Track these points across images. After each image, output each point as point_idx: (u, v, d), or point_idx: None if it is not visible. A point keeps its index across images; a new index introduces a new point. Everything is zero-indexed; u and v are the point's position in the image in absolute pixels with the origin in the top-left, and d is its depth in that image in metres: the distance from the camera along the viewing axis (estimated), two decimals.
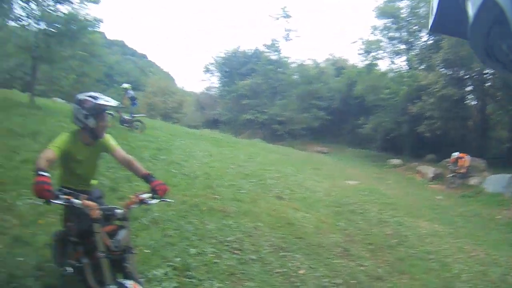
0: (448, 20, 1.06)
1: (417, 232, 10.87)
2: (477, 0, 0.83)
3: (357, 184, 17.22)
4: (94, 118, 4.15)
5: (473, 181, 21.00)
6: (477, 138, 31.45)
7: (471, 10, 0.87)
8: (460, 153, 22.80)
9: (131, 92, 12.96)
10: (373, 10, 36.10)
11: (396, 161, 30.17)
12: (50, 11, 21.68)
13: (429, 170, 24.32)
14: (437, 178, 23.26)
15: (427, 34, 33.75)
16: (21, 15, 21.59)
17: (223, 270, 5.95)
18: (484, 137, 31.01)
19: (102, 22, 23.56)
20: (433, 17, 1.09)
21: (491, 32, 0.85)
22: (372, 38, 37.55)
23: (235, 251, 6.70)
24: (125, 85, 12.53)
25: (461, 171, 21.76)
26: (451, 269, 8.25)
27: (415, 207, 14.62)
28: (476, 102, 33.49)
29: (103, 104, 4.20)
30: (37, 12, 21.20)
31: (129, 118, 16.60)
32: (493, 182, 19.29)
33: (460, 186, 21.14)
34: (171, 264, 5.75)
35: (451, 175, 22.14)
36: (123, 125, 17.33)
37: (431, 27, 1.14)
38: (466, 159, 22.18)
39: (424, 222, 12.38)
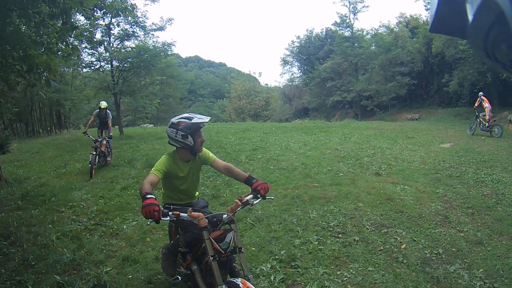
0: (448, 20, 1.09)
1: None
2: (476, 0, 0.87)
3: (452, 146, 16.84)
4: (192, 137, 4.44)
5: None
6: None
7: (470, 10, 0.92)
8: (483, 94, 21.73)
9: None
10: None
11: None
12: (118, 50, 22.70)
13: None
14: None
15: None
16: (91, 61, 22.88)
17: (328, 255, 6.15)
18: None
19: (174, 45, 24.12)
20: (433, 17, 1.10)
21: (491, 32, 0.89)
22: None
23: (338, 235, 6.90)
24: (103, 104, 12.84)
25: (487, 116, 20.66)
26: None
27: (511, 160, 14.05)
28: None
29: (198, 122, 4.47)
30: (106, 54, 22.28)
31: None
32: None
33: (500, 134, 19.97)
34: (277, 257, 6.06)
35: (476, 121, 21.41)
36: None
37: (431, 27, 1.13)
38: (486, 101, 21.20)
39: None
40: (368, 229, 7.22)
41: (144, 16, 23.53)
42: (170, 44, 24.40)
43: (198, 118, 4.52)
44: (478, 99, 21.71)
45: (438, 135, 21.16)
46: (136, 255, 6.36)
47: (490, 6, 0.81)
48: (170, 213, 3.89)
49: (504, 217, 8.15)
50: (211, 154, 4.85)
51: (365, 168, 12.35)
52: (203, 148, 4.75)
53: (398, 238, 6.86)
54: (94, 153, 12.45)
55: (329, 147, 15.66)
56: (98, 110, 13.69)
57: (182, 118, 4.54)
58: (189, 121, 4.46)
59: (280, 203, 8.52)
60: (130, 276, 5.74)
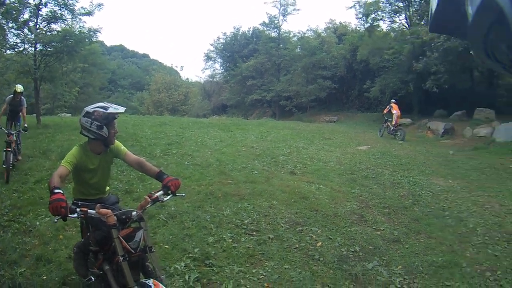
0: (448, 20, 1.10)
1: (431, 189, 10.97)
2: (476, 0, 0.87)
3: (369, 149, 17.34)
4: (106, 128, 4.26)
5: (483, 131, 21.00)
6: (485, 88, 31.31)
7: (470, 10, 0.91)
8: (394, 101, 24.09)
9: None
10: None
11: (406, 120, 30.08)
12: (44, 32, 21.69)
13: (440, 126, 24.36)
14: (448, 133, 23.25)
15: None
16: (16, 43, 21.69)
17: (242, 253, 6.07)
18: (492, 87, 31.02)
19: (100, 32, 23.21)
20: (432, 16, 1.12)
21: (491, 32, 0.89)
22: (370, 0, 37.15)
23: (253, 233, 6.85)
24: (18, 87, 11.25)
25: (394, 121, 22.95)
26: (466, 224, 8.31)
27: (428, 164, 14.71)
28: None
29: (114, 113, 4.29)
30: (31, 36, 21.21)
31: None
32: (504, 131, 19.32)
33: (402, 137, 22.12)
34: (191, 255, 5.88)
35: (385, 125, 23.61)
36: None
37: (430, 26, 1.17)
38: (395, 107, 23.41)
39: (437, 178, 12.48)
40: (282, 227, 7.23)
41: None
42: (96, 31, 23.47)
43: (113, 108, 4.31)
44: (388, 106, 23.84)
45: (356, 138, 21.83)
46: (49, 254, 6.01)
47: (490, 6, 0.80)
48: (78, 209, 3.68)
49: (421, 217, 8.54)
50: (122, 147, 4.65)
51: (280, 167, 12.45)
52: (116, 141, 4.54)
53: (314, 236, 6.92)
54: (9, 149, 10.25)
55: (245, 145, 15.69)
56: (12, 95, 11.74)
57: (97, 107, 4.30)
58: (105, 111, 4.25)
59: (194, 199, 8.36)
60: (44, 277, 5.41)
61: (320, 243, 6.64)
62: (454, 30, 1.15)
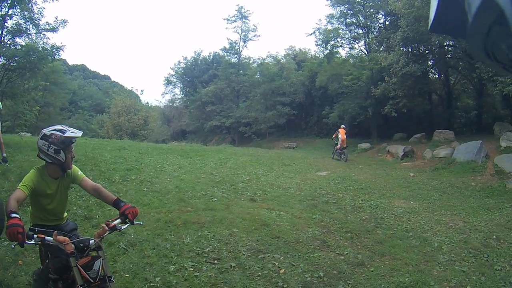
0: (448, 20, 1.07)
1: (393, 212, 11.10)
2: (476, 0, 0.84)
3: (328, 174, 17.45)
4: (63, 152, 4.11)
5: (443, 152, 21.30)
6: (444, 110, 32.01)
7: (470, 10, 0.88)
8: (342, 127, 25.72)
9: None
10: (327, 0, 36.19)
11: (365, 145, 30.77)
12: (8, 46, 21.23)
13: (399, 149, 24.59)
14: (407, 155, 23.59)
15: (383, 16, 34.39)
16: None
17: (204, 282, 5.95)
18: (451, 108, 31.70)
19: (62, 50, 22.79)
20: (432, 17, 1.09)
21: (491, 32, 0.86)
22: (329, 27, 37.80)
23: (214, 261, 6.71)
24: None
25: (339, 145, 24.54)
26: (431, 243, 8.43)
27: (389, 187, 14.91)
28: (439, 75, 34.03)
29: (71, 137, 4.15)
30: None
31: None
32: (464, 151, 19.70)
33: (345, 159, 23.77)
34: (152, 284, 5.75)
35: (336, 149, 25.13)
36: None
37: (430, 26, 1.13)
38: (343, 133, 24.88)
39: (399, 201, 12.68)
40: (244, 254, 7.12)
41: (40, 13, 22.22)
42: (59, 48, 23.08)
43: (71, 132, 4.16)
44: (336, 131, 25.42)
45: (315, 164, 21.93)
46: (9, 279, 5.80)
47: (490, 6, 0.79)
48: (35, 236, 3.60)
49: (384, 239, 8.56)
50: (80, 172, 4.50)
51: (240, 194, 12.35)
52: (73, 165, 4.40)
53: (276, 263, 6.83)
54: None
55: (204, 171, 15.52)
56: None
57: (54, 130, 4.13)
58: (62, 134, 4.10)
59: (153, 227, 8.20)
60: None
61: (283, 270, 6.56)
62: (454, 30, 1.06)
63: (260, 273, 6.38)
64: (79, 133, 4.26)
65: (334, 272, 6.61)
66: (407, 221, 10.17)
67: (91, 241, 3.92)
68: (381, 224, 9.78)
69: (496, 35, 0.84)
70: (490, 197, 13.44)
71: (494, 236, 8.99)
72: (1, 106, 9.71)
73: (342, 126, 26.60)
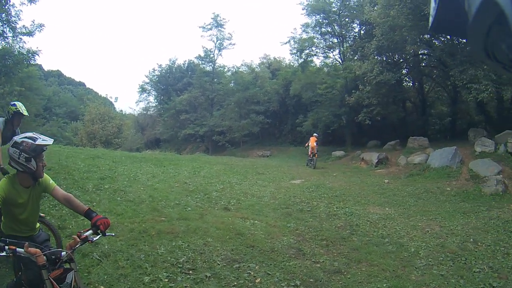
0: (448, 20, 1.06)
1: (369, 218, 11.17)
2: (476, 0, 0.84)
3: (302, 183, 17.52)
4: (35, 160, 4.03)
5: (418, 159, 21.51)
6: (418, 117, 32.37)
7: (470, 10, 0.88)
8: (314, 135, 26.87)
9: None
10: (303, 9, 36.43)
11: (339, 152, 31.01)
12: None
13: (373, 156, 24.70)
14: (382, 162, 23.74)
15: (358, 25, 34.77)
16: None
17: None
18: (425, 116, 32.08)
19: (38, 55, 22.48)
20: (432, 16, 1.09)
21: (491, 32, 0.85)
22: (305, 36, 38.05)
23: (189, 272, 6.66)
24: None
25: (309, 152, 25.83)
26: (408, 248, 8.51)
27: (363, 194, 15.01)
28: (413, 83, 34.40)
29: (42, 145, 4.06)
30: None
31: None
32: (438, 156, 19.89)
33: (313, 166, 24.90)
34: None
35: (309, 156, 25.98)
36: None
37: (430, 26, 1.12)
38: (312, 141, 25.94)
39: (374, 207, 12.78)
40: (219, 264, 7.09)
41: (18, 16, 21.89)
42: (35, 53, 22.80)
43: (42, 140, 4.11)
44: (309, 140, 26.38)
45: (289, 172, 22.00)
46: None
47: (490, 6, 0.79)
48: (6, 247, 3.54)
49: (360, 246, 8.61)
50: (51, 181, 4.43)
51: (214, 203, 12.34)
52: (44, 174, 4.32)
53: (252, 273, 6.81)
54: None
55: (178, 180, 15.43)
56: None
57: (26, 138, 4.08)
58: (33, 142, 4.03)
59: (127, 237, 8.11)
60: None
61: (259, 280, 6.54)
62: (454, 30, 1.08)
63: (235, 283, 6.34)
64: (50, 141, 4.18)
65: (311, 280, 6.60)
66: (382, 228, 10.24)
67: (63, 253, 3.87)
68: (357, 231, 9.82)
69: (496, 35, 0.84)
70: (466, 201, 13.65)
71: (471, 239, 9.13)
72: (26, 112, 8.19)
73: (314, 134, 27.49)
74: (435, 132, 30.87)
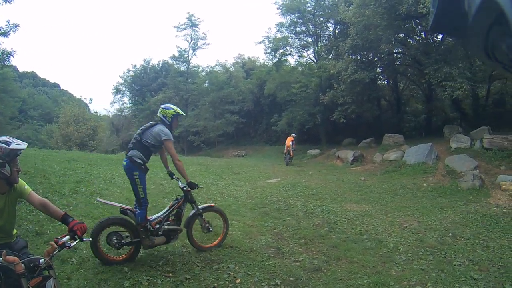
0: (448, 20, 1.06)
1: (346, 216, 11.28)
2: (476, 0, 0.84)
3: (279, 182, 17.58)
4: (9, 165, 3.94)
5: (393, 155, 21.75)
6: (393, 115, 32.70)
7: (470, 10, 0.88)
8: (292, 135, 27.90)
9: None
10: (278, 8, 36.56)
11: (314, 151, 31.17)
12: None
13: (349, 154, 24.97)
14: (357, 160, 23.94)
15: (333, 24, 34.91)
16: None
17: None
18: (400, 113, 32.54)
19: (13, 56, 22.06)
20: (433, 16, 1.08)
21: (491, 32, 0.86)
22: (279, 35, 38.20)
23: (169, 274, 6.62)
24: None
25: (285, 150, 27.05)
26: (387, 244, 8.61)
27: (340, 192, 15.15)
28: (387, 82, 34.74)
29: (16, 149, 3.96)
30: None
31: None
32: (414, 153, 20.25)
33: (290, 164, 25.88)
34: None
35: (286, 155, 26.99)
36: None
37: (430, 26, 1.12)
38: (288, 140, 26.88)
39: (351, 205, 12.93)
40: (198, 266, 7.07)
41: None
42: (9, 54, 22.38)
43: (16, 144, 3.97)
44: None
45: (265, 171, 22.13)
46: None
47: (490, 6, 0.80)
48: None
49: (339, 243, 8.66)
50: (26, 187, 4.32)
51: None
52: (19, 179, 4.20)
53: (232, 273, 6.79)
54: None
55: (153, 182, 15.33)
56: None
57: None
58: (7, 147, 3.91)
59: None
60: None
61: (239, 280, 6.54)
62: (454, 30, 1.07)
63: (216, 284, 6.34)
64: (24, 145, 4.08)
65: (291, 279, 6.62)
66: (360, 224, 10.36)
67: (41, 260, 3.79)
68: (335, 229, 9.90)
69: (496, 35, 0.85)
70: (443, 196, 13.86)
71: (450, 234, 9.31)
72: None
73: (292, 134, 28.39)
74: (410, 129, 31.17)
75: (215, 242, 8.19)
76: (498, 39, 0.86)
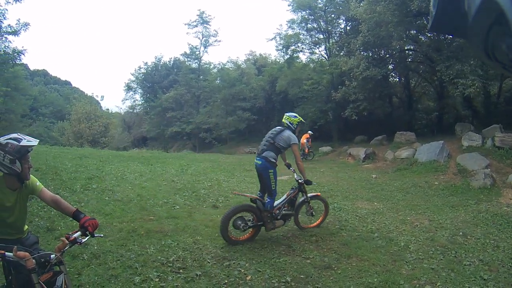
0: (448, 20, 1.05)
1: (357, 213, 11.25)
2: (476, 0, 0.84)
3: (290, 179, 17.33)
4: (19, 161, 3.90)
5: (405, 153, 21.67)
6: (404, 112, 32.42)
7: (470, 10, 0.87)
8: (309, 132, 27.64)
9: None
10: (289, 5, 36.41)
11: (326, 148, 31.10)
12: None
13: (361, 152, 24.91)
14: (369, 157, 23.90)
15: (344, 21, 34.81)
16: None
17: None
18: (411, 111, 32.25)
19: (24, 54, 22.14)
20: (433, 16, 1.07)
21: (491, 32, 0.86)
22: (290, 32, 37.95)
23: (179, 271, 6.61)
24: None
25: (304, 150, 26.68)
26: (398, 243, 8.55)
27: (351, 190, 15.09)
28: (399, 79, 34.42)
29: (27, 146, 3.93)
30: None
31: None
32: (426, 151, 20.11)
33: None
34: None
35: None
36: None
37: (430, 26, 1.10)
38: (302, 138, 26.59)
39: (362, 202, 12.86)
40: (209, 262, 7.05)
41: (3, 15, 21.55)
42: (20, 52, 22.48)
43: (27, 141, 3.95)
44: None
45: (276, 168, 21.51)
46: None
47: (490, 6, 0.80)
48: None
49: (349, 241, 8.60)
50: (38, 183, 4.31)
51: (202, 201, 12.30)
52: (32, 176, 4.20)
53: (242, 270, 6.77)
54: None
55: (165, 179, 15.34)
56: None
57: (10, 139, 3.92)
58: (18, 143, 3.89)
59: (116, 237, 8.04)
60: None
61: (249, 277, 6.51)
62: (454, 30, 1.06)
63: (226, 281, 6.31)
64: (35, 142, 4.06)
65: (301, 276, 6.59)
66: (371, 222, 10.30)
67: (52, 256, 3.78)
68: (346, 226, 9.83)
69: (496, 35, 0.85)
70: (454, 195, 13.77)
71: (461, 233, 9.24)
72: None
73: (309, 131, 28.25)
74: (422, 126, 31.05)
75: (315, 224, 9.76)
76: (498, 39, 0.85)
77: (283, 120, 9.19)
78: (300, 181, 9.21)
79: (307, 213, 9.59)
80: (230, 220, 8.13)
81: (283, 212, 8.89)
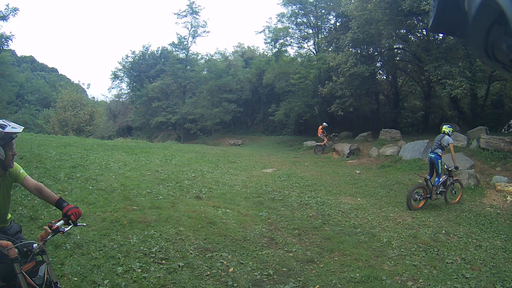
0: (448, 20, 1.07)
1: (341, 208, 11.33)
2: (476, 0, 0.85)
3: (274, 172, 17.54)
4: (3, 148, 3.89)
5: (390, 150, 21.87)
6: (390, 110, 32.65)
7: (470, 10, 0.89)
8: (323, 124, 27.67)
9: None
10: None
11: (311, 142, 31.06)
12: None
13: (345, 147, 24.97)
14: (353, 153, 24.03)
15: (334, 17, 34.82)
16: None
17: (153, 284, 5.86)
18: (397, 109, 32.53)
19: (11, 40, 21.87)
20: (433, 16, 1.09)
21: (491, 32, 0.87)
22: (280, 26, 37.88)
23: (162, 261, 6.62)
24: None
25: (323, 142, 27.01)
26: (380, 239, 8.65)
27: (335, 184, 15.21)
28: (386, 77, 34.60)
29: (11, 132, 3.90)
30: None
31: None
32: (410, 149, 20.41)
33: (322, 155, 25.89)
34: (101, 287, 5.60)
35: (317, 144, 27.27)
36: None
37: (431, 26, 1.13)
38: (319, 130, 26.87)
39: (346, 197, 13.00)
40: (192, 254, 7.08)
41: None
42: (8, 38, 22.21)
43: (11, 127, 3.92)
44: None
45: (261, 161, 22.01)
46: None
47: (490, 6, 0.81)
48: None
49: (332, 235, 8.69)
50: (21, 171, 4.26)
51: (186, 192, 12.26)
52: (16, 164, 4.17)
53: (225, 262, 6.83)
54: None
55: (149, 169, 15.30)
56: None
57: None
58: (2, 130, 3.85)
59: (99, 227, 7.99)
60: None
61: (232, 269, 6.55)
62: (454, 30, 1.10)
63: (209, 272, 6.35)
64: (19, 129, 4.01)
65: (284, 269, 6.65)
66: (354, 217, 10.41)
67: (34, 245, 3.79)
68: (329, 221, 9.92)
69: (496, 35, 0.86)
70: None
71: (443, 231, 9.43)
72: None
73: (324, 123, 28.21)
74: (408, 125, 31.36)
75: (455, 200, 12.93)
76: (498, 39, 0.86)
77: (443, 129, 13.00)
78: (449, 169, 12.67)
79: (451, 191, 12.92)
80: (412, 195, 11.72)
81: (440, 189, 12.31)
